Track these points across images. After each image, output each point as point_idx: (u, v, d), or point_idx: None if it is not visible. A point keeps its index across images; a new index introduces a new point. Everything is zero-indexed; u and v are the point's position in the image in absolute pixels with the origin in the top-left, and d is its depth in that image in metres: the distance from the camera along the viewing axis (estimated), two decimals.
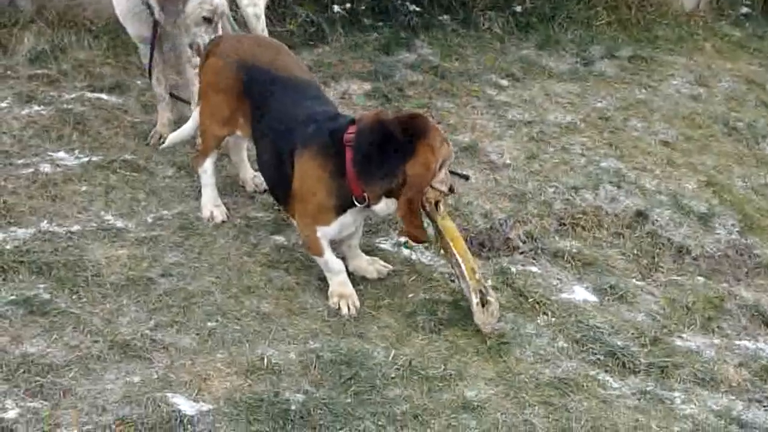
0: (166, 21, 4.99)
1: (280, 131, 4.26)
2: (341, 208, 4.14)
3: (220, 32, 5.00)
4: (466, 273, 4.23)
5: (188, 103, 5.50)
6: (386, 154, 3.96)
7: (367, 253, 4.64)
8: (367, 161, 3.98)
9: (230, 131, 4.65)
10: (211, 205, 4.79)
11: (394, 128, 3.95)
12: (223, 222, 4.75)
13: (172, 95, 5.47)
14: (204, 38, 4.92)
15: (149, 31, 5.17)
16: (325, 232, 4.20)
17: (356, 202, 4.09)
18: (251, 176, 5.04)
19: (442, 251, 4.51)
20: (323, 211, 4.14)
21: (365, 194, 4.04)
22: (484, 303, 4.20)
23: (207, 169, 4.77)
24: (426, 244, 4.65)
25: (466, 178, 5.32)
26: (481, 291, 4.21)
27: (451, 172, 4.42)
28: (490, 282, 4.51)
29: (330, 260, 4.30)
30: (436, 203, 4.20)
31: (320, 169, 4.06)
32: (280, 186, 4.29)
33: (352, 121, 4.08)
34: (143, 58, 5.36)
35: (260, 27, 5.86)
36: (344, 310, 4.26)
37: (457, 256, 4.25)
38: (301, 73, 4.54)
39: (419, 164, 3.95)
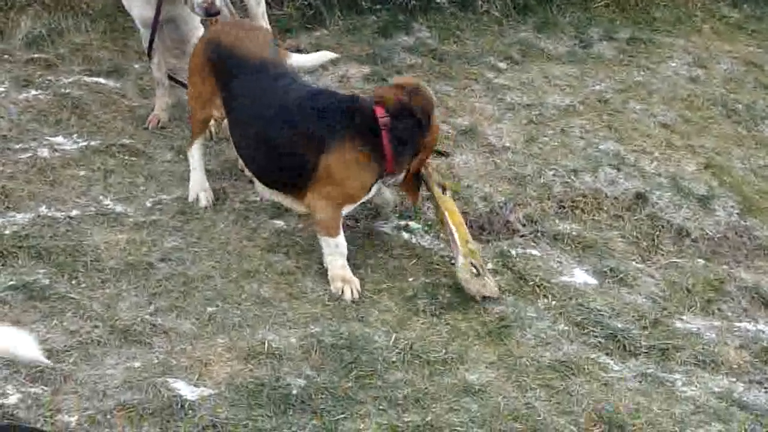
0: None
1: (280, 118, 4.27)
2: (371, 186, 4.35)
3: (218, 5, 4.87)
4: (458, 241, 4.35)
5: (186, 87, 5.47)
6: (413, 132, 4.30)
7: (367, 237, 4.65)
8: (401, 141, 4.26)
9: (209, 113, 4.70)
10: (198, 188, 4.78)
11: (416, 109, 4.27)
12: (206, 207, 4.74)
13: (170, 78, 5.45)
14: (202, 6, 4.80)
15: (153, 13, 5.10)
16: (347, 210, 4.36)
17: (384, 177, 4.37)
18: None
19: (440, 225, 4.61)
20: (358, 190, 4.31)
21: (395, 169, 4.34)
22: (479, 273, 4.30)
23: (194, 152, 4.78)
24: (426, 228, 4.75)
25: (447, 155, 5.32)
26: (473, 265, 4.29)
27: (433, 150, 4.67)
28: (490, 265, 4.52)
29: (341, 242, 4.33)
30: (443, 187, 4.56)
31: (362, 154, 4.22)
32: (289, 172, 4.31)
33: (374, 104, 4.27)
34: (144, 42, 5.31)
35: (260, 11, 5.83)
36: (347, 295, 4.27)
37: (451, 225, 4.41)
38: (269, 54, 4.54)
39: (433, 133, 4.42)
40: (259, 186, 4.60)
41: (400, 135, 4.25)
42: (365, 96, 4.39)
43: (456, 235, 4.39)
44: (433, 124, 4.37)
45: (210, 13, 4.84)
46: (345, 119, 4.24)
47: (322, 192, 4.25)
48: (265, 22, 5.89)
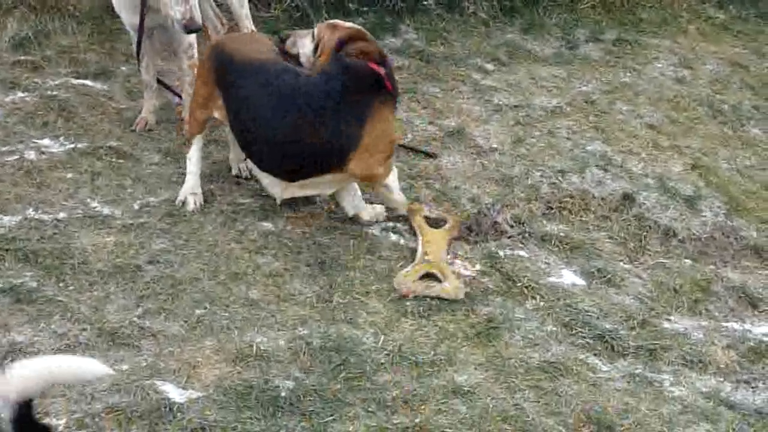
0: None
1: (312, 111, 4.42)
2: None
3: (196, 3, 4.79)
4: (418, 254, 4.59)
5: (176, 93, 5.47)
6: (389, 65, 4.67)
7: (354, 239, 4.67)
8: (391, 77, 4.61)
9: (209, 114, 4.73)
10: (189, 191, 4.77)
11: (378, 48, 4.67)
12: (193, 211, 4.73)
13: (159, 82, 5.43)
14: (178, 12, 4.70)
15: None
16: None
17: None
18: (240, 159, 5.00)
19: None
20: (394, 134, 4.67)
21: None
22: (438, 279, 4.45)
23: (192, 155, 4.78)
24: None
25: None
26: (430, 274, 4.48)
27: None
28: (478, 266, 4.53)
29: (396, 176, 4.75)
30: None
31: (387, 105, 4.57)
32: (335, 153, 4.47)
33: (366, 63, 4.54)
34: (133, 44, 5.27)
35: (244, 12, 5.82)
36: (381, 217, 4.84)
37: (420, 240, 4.68)
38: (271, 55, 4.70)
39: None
40: (276, 189, 4.66)
41: (390, 74, 4.57)
42: (354, 61, 4.51)
43: (419, 249, 4.60)
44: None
45: (190, 30, 4.77)
46: (365, 86, 4.47)
47: (370, 153, 4.48)
48: (249, 23, 5.87)
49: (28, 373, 2.61)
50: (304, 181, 4.60)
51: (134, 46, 5.23)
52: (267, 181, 4.65)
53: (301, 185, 4.63)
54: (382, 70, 4.52)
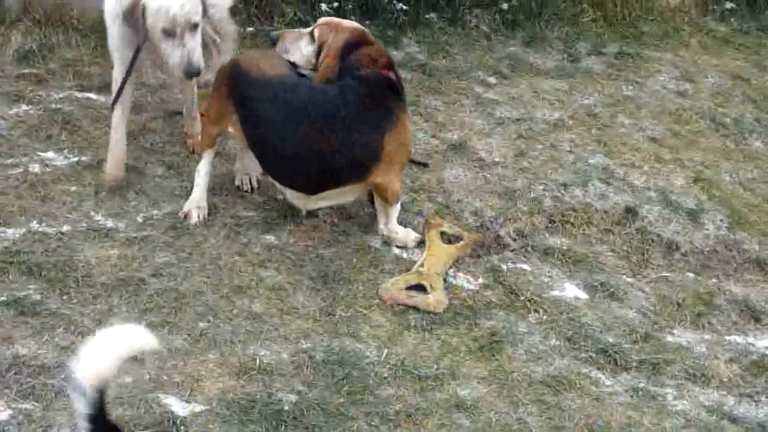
0: (137, 38, 4.63)
1: (338, 122, 4.47)
2: None
3: (197, 46, 4.58)
4: (421, 262, 4.62)
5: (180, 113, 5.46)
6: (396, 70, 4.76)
7: (357, 252, 4.68)
8: (401, 82, 4.73)
9: (223, 128, 4.76)
10: (194, 204, 4.77)
11: (385, 53, 4.78)
12: (196, 224, 4.73)
13: (172, 112, 5.41)
14: (175, 56, 4.52)
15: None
16: None
17: None
18: (245, 171, 5.01)
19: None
20: (411, 144, 4.85)
21: None
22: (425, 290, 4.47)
23: (201, 168, 4.79)
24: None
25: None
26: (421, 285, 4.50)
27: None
28: (481, 280, 4.55)
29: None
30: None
31: (405, 113, 4.70)
32: (359, 164, 4.54)
33: (377, 72, 4.59)
34: (114, 86, 4.91)
35: (229, 29, 5.61)
36: (411, 242, 4.80)
37: (425, 251, 4.70)
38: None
39: None
40: (300, 202, 4.70)
41: (398, 77, 4.68)
42: (367, 71, 4.57)
43: (419, 261, 4.64)
44: None
45: (190, 74, 4.63)
46: (382, 95, 4.55)
47: (391, 164, 4.57)
48: (233, 44, 5.64)
49: (99, 354, 2.58)
50: (325, 193, 4.63)
51: (114, 88, 4.91)
52: (289, 193, 4.69)
53: (323, 197, 4.66)
54: (393, 76, 4.60)
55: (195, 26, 4.54)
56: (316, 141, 4.46)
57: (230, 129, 4.73)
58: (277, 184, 4.73)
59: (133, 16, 4.53)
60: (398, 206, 4.75)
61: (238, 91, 4.61)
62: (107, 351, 2.59)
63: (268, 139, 4.56)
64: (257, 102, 4.55)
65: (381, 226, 4.77)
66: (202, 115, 5.12)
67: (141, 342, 2.71)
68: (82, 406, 2.55)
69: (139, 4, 4.50)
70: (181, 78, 4.76)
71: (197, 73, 4.65)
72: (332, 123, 4.45)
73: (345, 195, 4.71)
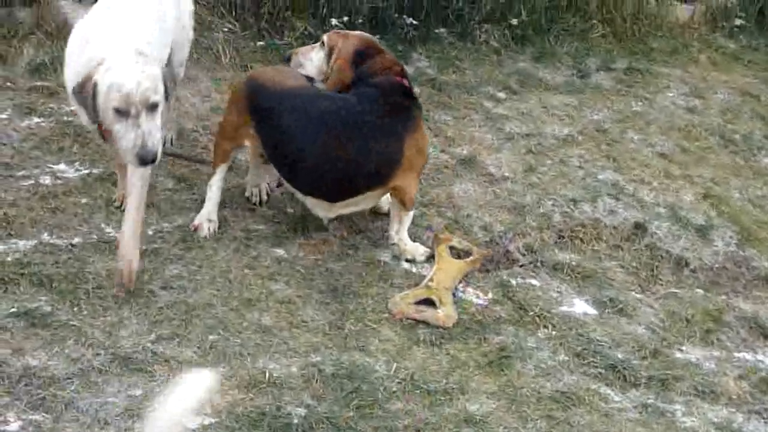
0: (89, 117, 4.14)
1: (358, 129, 4.55)
2: None
3: (155, 129, 4.00)
4: (431, 277, 4.63)
5: (197, 160, 5.32)
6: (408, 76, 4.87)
7: (366, 266, 4.68)
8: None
9: (238, 144, 4.81)
10: (206, 217, 4.78)
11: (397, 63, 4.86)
12: (206, 237, 4.74)
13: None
14: (128, 139, 3.95)
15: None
16: None
17: None
18: (256, 184, 5.03)
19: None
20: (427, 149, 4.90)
21: None
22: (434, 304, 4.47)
23: (214, 183, 4.81)
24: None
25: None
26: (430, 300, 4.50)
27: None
28: (490, 295, 4.55)
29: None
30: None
31: (421, 118, 4.81)
32: (380, 170, 4.60)
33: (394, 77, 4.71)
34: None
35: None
36: (419, 256, 4.81)
37: (434, 267, 4.71)
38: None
39: None
40: (322, 211, 4.76)
41: (410, 82, 4.78)
42: (381, 78, 4.66)
43: (428, 276, 4.65)
44: None
45: (144, 161, 3.99)
46: (398, 101, 4.64)
47: (410, 168, 4.65)
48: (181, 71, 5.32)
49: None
50: (347, 201, 4.69)
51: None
52: (311, 203, 4.74)
53: (345, 204, 4.71)
54: (406, 82, 4.69)
55: (153, 106, 3.99)
56: (338, 149, 4.52)
57: (247, 143, 4.77)
58: (298, 194, 4.76)
59: (82, 93, 4.05)
60: (411, 215, 4.80)
61: (257, 104, 4.65)
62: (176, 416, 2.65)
63: (290, 149, 4.59)
64: (277, 113, 4.59)
65: (392, 233, 4.80)
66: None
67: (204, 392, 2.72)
68: None
69: (90, 79, 4.01)
70: (134, 164, 4.09)
71: (153, 160, 4.01)
72: (352, 130, 4.53)
73: (366, 201, 4.77)
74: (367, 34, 4.96)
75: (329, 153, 4.53)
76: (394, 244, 4.80)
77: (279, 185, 5.00)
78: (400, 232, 4.79)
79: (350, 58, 4.74)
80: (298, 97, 4.61)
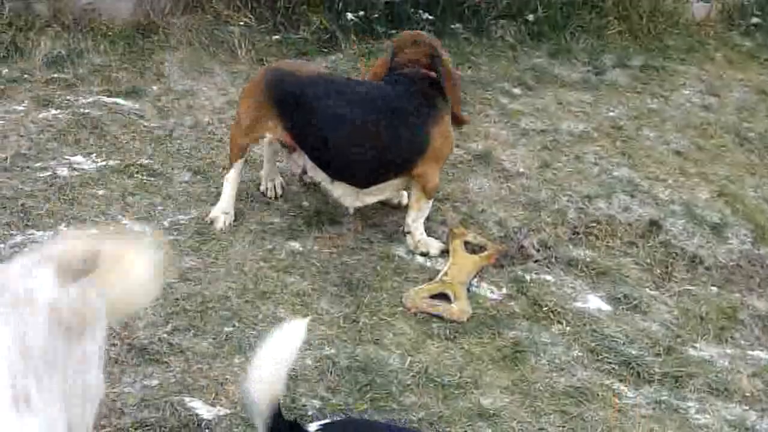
0: None
1: (390, 114, 4.62)
2: None
3: None
4: (445, 271, 4.64)
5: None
6: (440, 70, 4.81)
7: (381, 260, 4.69)
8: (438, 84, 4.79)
9: (254, 139, 4.81)
10: (220, 210, 4.80)
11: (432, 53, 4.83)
12: (222, 230, 4.76)
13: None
14: None
15: None
16: None
17: None
18: (270, 178, 5.06)
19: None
20: (453, 139, 4.92)
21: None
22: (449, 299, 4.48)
23: (230, 177, 4.83)
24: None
25: None
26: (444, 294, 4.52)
27: None
28: (504, 290, 4.56)
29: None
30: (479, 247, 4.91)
31: (446, 108, 4.80)
32: (409, 153, 4.67)
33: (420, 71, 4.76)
34: None
35: None
36: (433, 250, 4.81)
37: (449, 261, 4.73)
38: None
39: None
40: (349, 200, 4.81)
41: (445, 72, 4.76)
42: (411, 70, 4.75)
43: (443, 270, 4.66)
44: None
45: None
46: (427, 91, 4.71)
47: (435, 157, 4.71)
48: None
49: (270, 369, 2.67)
50: (375, 186, 4.75)
51: None
52: (339, 192, 4.76)
53: (371, 192, 4.77)
54: (433, 74, 4.72)
55: None
56: (370, 134, 4.58)
57: (268, 134, 4.75)
58: (326, 181, 4.77)
59: None
60: (430, 204, 4.83)
61: (283, 91, 4.66)
62: (276, 366, 2.69)
63: (322, 134, 4.61)
64: (310, 98, 4.61)
65: (409, 220, 4.82)
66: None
67: (298, 338, 2.79)
68: (261, 424, 2.66)
69: None
70: None
71: None
72: (384, 116, 4.60)
73: (390, 189, 4.84)
74: (418, 32, 5.14)
75: (361, 137, 4.59)
76: (408, 233, 4.81)
77: (304, 173, 4.99)
78: (416, 220, 4.81)
79: (389, 53, 4.89)
80: (332, 83, 4.68)
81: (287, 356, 2.75)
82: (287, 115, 4.67)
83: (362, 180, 4.71)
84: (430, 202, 4.82)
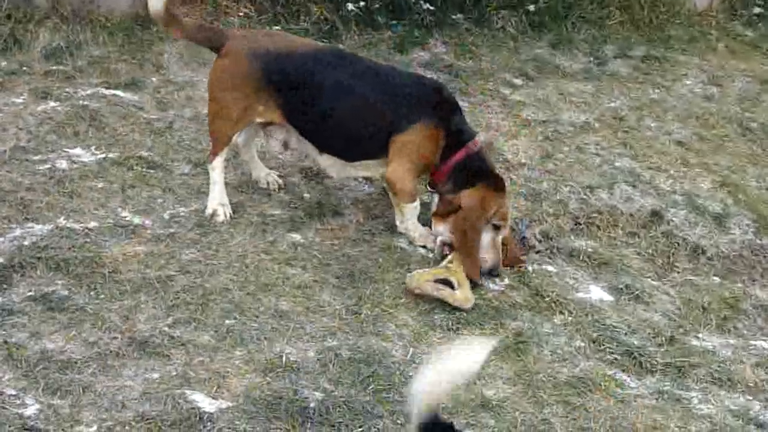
0: None
1: (380, 90, 4.65)
2: None
3: None
4: (450, 259, 4.57)
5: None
6: None
7: (383, 251, 4.68)
8: None
9: (241, 127, 4.75)
10: (217, 202, 4.78)
11: None
12: (223, 222, 4.75)
13: None
14: None
15: None
16: None
17: None
18: (265, 174, 5.05)
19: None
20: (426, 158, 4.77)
21: None
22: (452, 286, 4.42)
23: (216, 166, 4.78)
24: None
25: None
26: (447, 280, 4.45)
27: None
28: (506, 281, 4.54)
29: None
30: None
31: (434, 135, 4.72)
32: (389, 134, 4.65)
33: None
34: None
35: None
36: (431, 245, 4.77)
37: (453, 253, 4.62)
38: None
39: None
40: (334, 171, 4.84)
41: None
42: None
43: (450, 255, 4.61)
44: None
45: None
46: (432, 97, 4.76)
47: (407, 152, 4.62)
48: None
49: (436, 378, 2.63)
50: (361, 162, 4.75)
51: None
52: (327, 163, 4.78)
53: (358, 166, 4.78)
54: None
55: None
56: (363, 109, 4.60)
57: (259, 119, 4.70)
58: (314, 154, 4.79)
59: None
60: (412, 207, 4.74)
61: (275, 70, 4.61)
62: (444, 376, 2.64)
63: (316, 105, 4.62)
64: (309, 72, 4.61)
65: (397, 223, 4.83)
66: None
67: (474, 365, 2.70)
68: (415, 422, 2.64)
69: None
70: None
71: None
72: (384, 94, 4.62)
73: (376, 168, 4.77)
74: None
75: (355, 111, 4.61)
76: (402, 233, 4.80)
77: (285, 147, 4.95)
78: (404, 222, 4.79)
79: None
80: (338, 57, 4.74)
81: (463, 374, 2.69)
82: (282, 95, 4.63)
83: (346, 154, 4.74)
84: (413, 205, 4.74)
